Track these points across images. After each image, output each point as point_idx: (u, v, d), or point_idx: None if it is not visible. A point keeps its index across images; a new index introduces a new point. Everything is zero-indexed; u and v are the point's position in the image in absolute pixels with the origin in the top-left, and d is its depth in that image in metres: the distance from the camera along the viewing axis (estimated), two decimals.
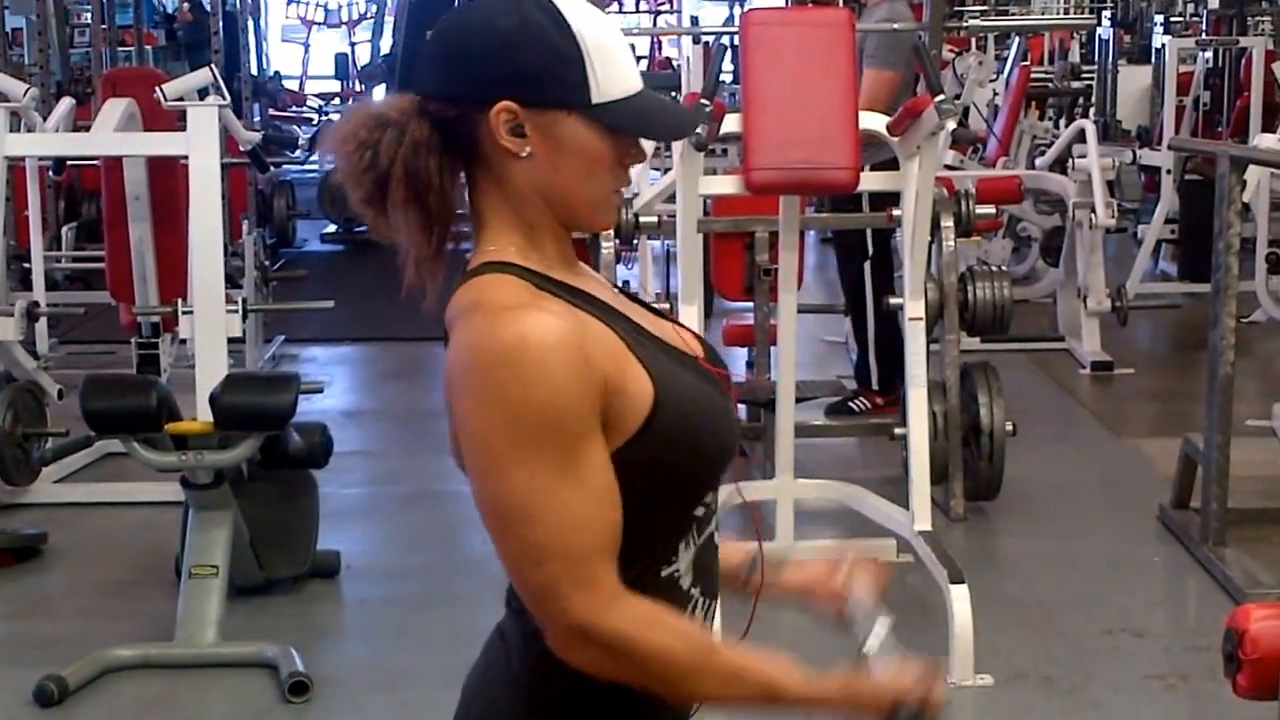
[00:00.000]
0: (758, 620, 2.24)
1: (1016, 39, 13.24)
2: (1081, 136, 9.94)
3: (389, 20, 17.94)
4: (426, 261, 2.03)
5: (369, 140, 1.97)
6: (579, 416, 1.88)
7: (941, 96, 5.24)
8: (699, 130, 5.08)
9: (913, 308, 5.65)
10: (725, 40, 8.86)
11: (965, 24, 7.11)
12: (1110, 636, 5.29)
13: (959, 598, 4.94)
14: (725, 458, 2.06)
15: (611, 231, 5.84)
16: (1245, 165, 6.04)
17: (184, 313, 6.40)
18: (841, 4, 7.77)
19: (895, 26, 7.18)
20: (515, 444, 1.87)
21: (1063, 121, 13.97)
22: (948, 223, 6.56)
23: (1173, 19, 15.93)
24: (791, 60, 5.58)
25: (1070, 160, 9.82)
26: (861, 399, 7.88)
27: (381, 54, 17.76)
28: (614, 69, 1.98)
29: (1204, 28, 13.78)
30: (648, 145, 2.26)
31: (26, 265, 7.79)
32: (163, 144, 6.79)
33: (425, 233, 2.01)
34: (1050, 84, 13.95)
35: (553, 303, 1.94)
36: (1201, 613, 5.60)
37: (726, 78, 8.55)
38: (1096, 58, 13.96)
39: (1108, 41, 13.45)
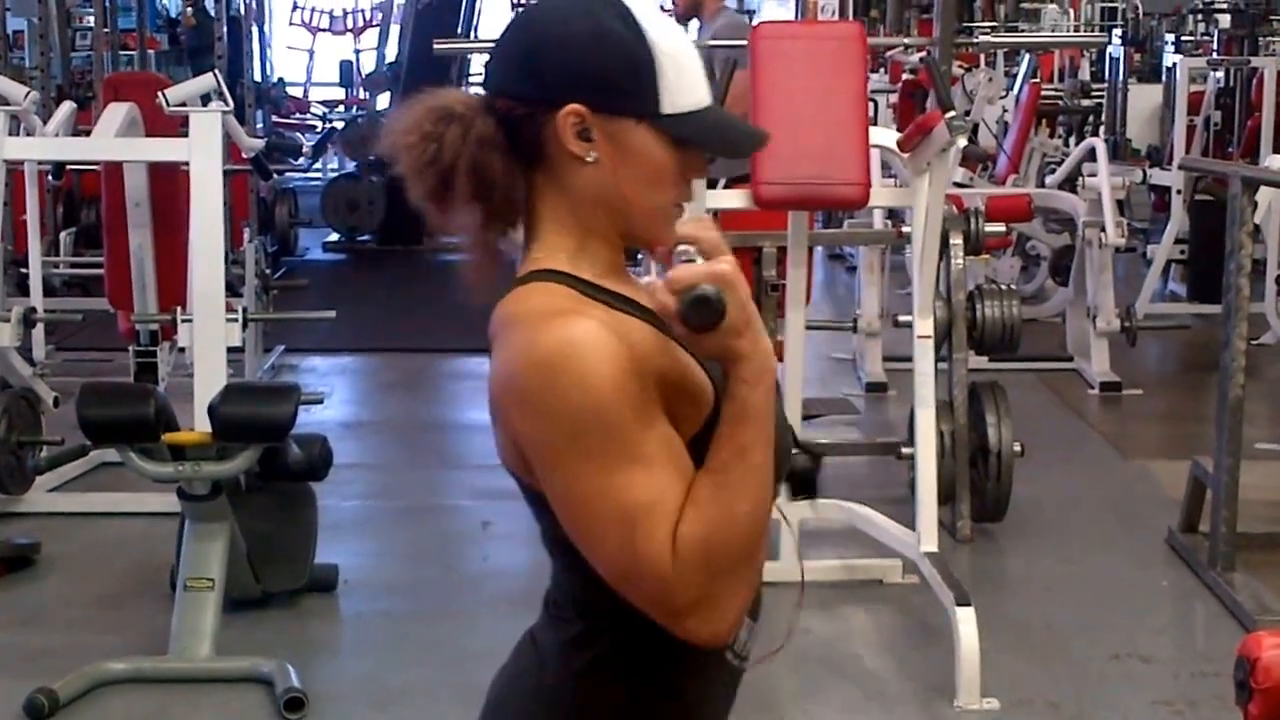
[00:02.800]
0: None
1: (1026, 56, 13.19)
2: (1091, 155, 9.89)
3: (395, 28, 17.86)
4: (484, 258, 2.02)
5: (433, 133, 1.95)
6: (635, 403, 1.84)
7: (952, 113, 5.18)
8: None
9: (921, 326, 5.58)
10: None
11: (976, 40, 7.03)
12: (1117, 661, 5.21)
13: (965, 620, 4.86)
14: (782, 466, 2.03)
15: None
16: (1257, 186, 5.96)
17: (183, 321, 6.33)
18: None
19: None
20: (579, 449, 1.84)
21: (1072, 139, 13.94)
22: (957, 240, 6.50)
23: (1183, 38, 15.88)
24: (801, 74, 5.53)
25: (1080, 179, 9.76)
26: None
27: (387, 62, 17.67)
28: (685, 80, 1.96)
29: (1215, 47, 13.72)
30: None
31: (24, 270, 7.72)
32: (164, 150, 6.72)
33: (487, 230, 2.00)
34: (1060, 101, 13.89)
35: (596, 308, 1.91)
36: (1210, 638, 5.53)
37: None
38: (1107, 76, 13.90)
39: (1118, 60, 13.40)
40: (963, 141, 5.20)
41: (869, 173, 5.52)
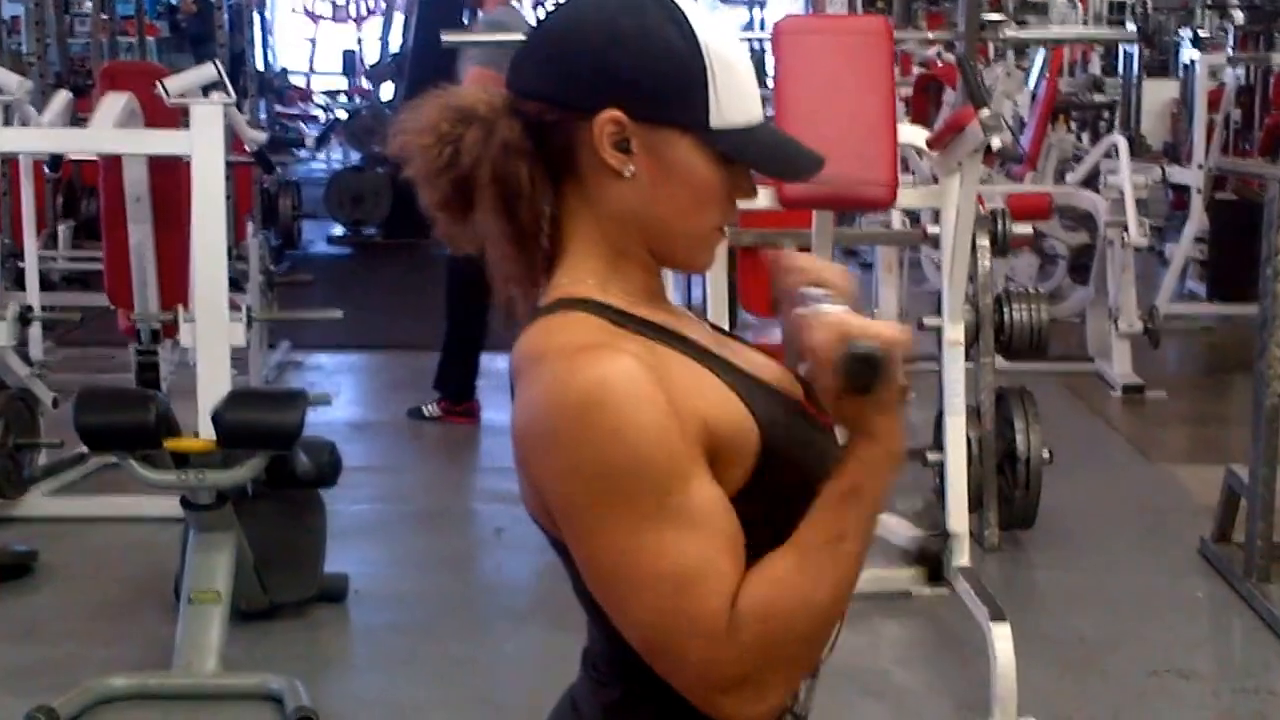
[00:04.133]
0: None
1: (1041, 51, 12.99)
2: (1112, 152, 9.72)
3: (398, 16, 17.68)
4: (518, 281, 1.82)
5: (450, 135, 1.75)
6: (676, 457, 1.64)
7: (986, 111, 5.00)
8: None
9: (952, 331, 5.42)
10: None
11: (1003, 36, 6.85)
12: (1155, 678, 5.03)
13: (1001, 638, 4.67)
14: None
15: None
16: None
17: (185, 321, 6.14)
18: None
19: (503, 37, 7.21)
20: (610, 505, 1.64)
21: (1085, 135, 13.75)
22: (984, 242, 6.31)
23: (1199, 32, 15.69)
24: (826, 70, 5.35)
25: (1102, 177, 9.58)
26: (434, 404, 8.06)
27: (391, 52, 17.50)
28: (738, 93, 1.76)
29: (1231, 43, 13.53)
30: None
31: (21, 265, 7.52)
32: (165, 143, 6.53)
33: (516, 247, 1.79)
34: (1074, 97, 13.70)
35: (630, 341, 1.71)
36: (1249, 653, 5.36)
37: None
38: (1120, 71, 13.71)
39: (1132, 55, 13.20)
40: (998, 141, 5.01)
41: (897, 172, 5.34)
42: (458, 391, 8.02)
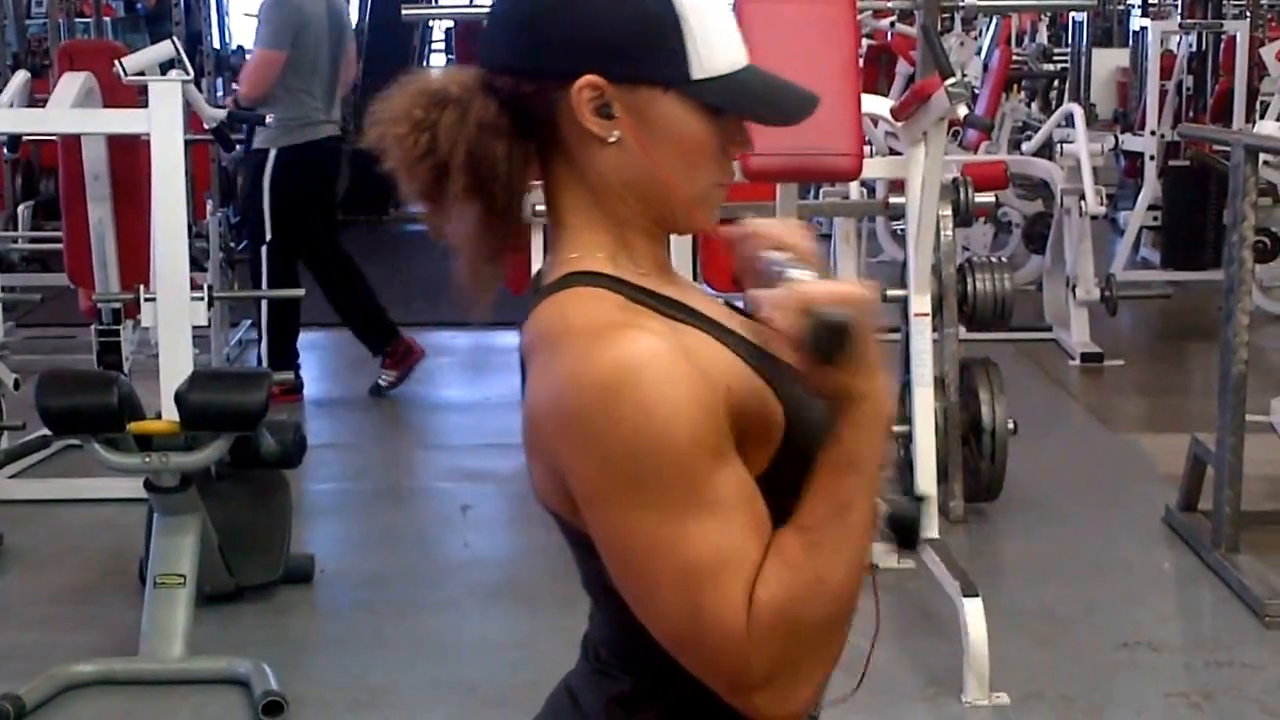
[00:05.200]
0: None
1: (994, 20, 12.99)
2: (1067, 121, 9.73)
3: None
4: (484, 266, 1.75)
5: (425, 120, 1.69)
6: (706, 439, 1.58)
7: (951, 79, 4.98)
8: None
9: (918, 302, 5.41)
10: None
11: (962, 4, 6.83)
12: (1126, 650, 5.03)
13: (973, 613, 4.67)
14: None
15: None
16: (1259, 154, 5.77)
17: (146, 300, 6.08)
18: None
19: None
20: (639, 491, 1.57)
21: (1034, 104, 13.76)
22: (945, 211, 6.29)
23: (1148, 1, 15.71)
24: (789, 40, 5.31)
25: (1059, 146, 9.59)
26: (383, 373, 8.10)
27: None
28: (716, 38, 1.69)
29: (1179, 10, 13.53)
30: None
31: None
32: (123, 122, 6.46)
33: (487, 231, 1.72)
34: (1025, 66, 13.71)
35: (649, 318, 1.65)
36: (1220, 625, 5.35)
37: None
38: (1070, 40, 13.72)
39: (1080, 24, 13.21)
40: (963, 109, 5.00)
41: (862, 144, 5.32)
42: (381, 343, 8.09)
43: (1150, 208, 10.62)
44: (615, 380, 1.57)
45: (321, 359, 9.04)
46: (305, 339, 8.41)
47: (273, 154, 7.65)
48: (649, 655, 1.65)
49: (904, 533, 1.79)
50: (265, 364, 7.74)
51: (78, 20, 13.40)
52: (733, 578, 1.57)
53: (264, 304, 7.83)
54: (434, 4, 9.35)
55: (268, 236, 7.71)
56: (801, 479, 1.64)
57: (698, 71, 1.68)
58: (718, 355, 1.66)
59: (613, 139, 1.68)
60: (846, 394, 1.61)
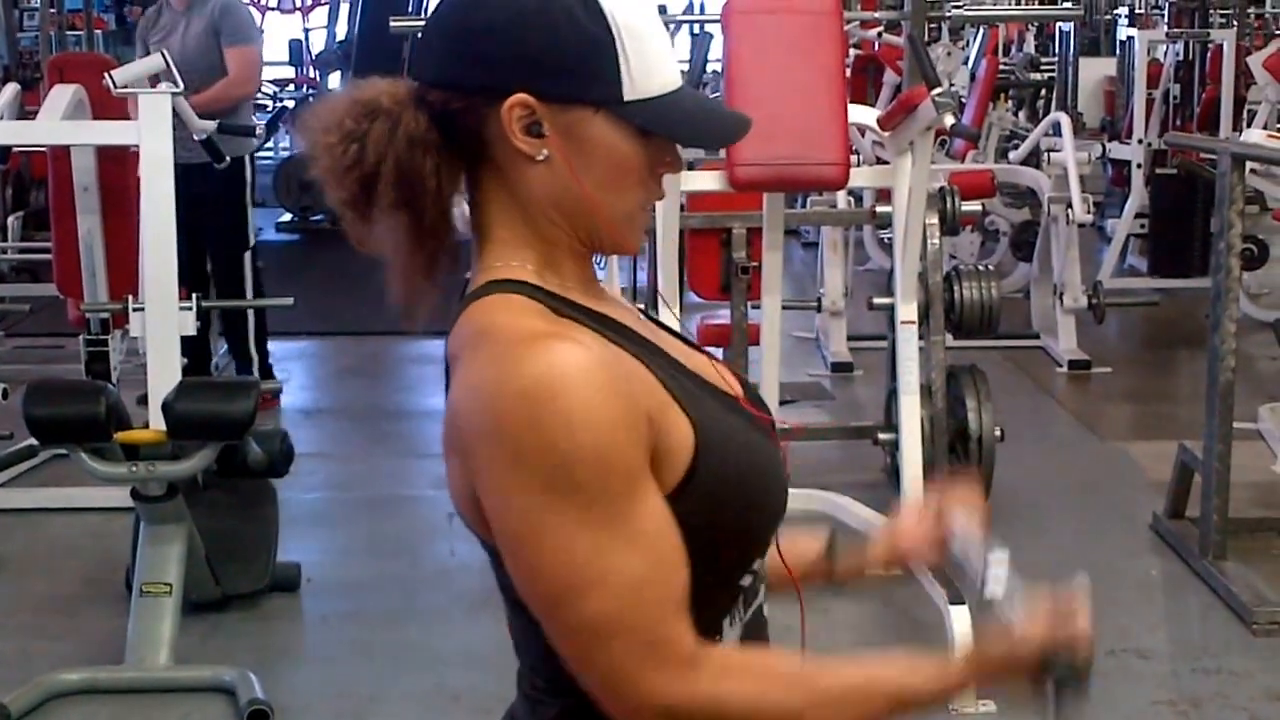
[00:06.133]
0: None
1: (980, 29, 13.02)
2: (1054, 130, 9.76)
3: (344, 6, 17.59)
4: (417, 279, 1.73)
5: (355, 131, 1.68)
6: (627, 459, 1.58)
7: (938, 89, 5.00)
8: None
9: (905, 310, 5.42)
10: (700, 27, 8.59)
11: (948, 13, 6.84)
12: (1114, 657, 5.03)
13: (960, 620, 4.68)
14: (777, 516, 1.77)
15: None
16: (1245, 162, 5.79)
17: (134, 310, 6.09)
18: None
19: None
20: (554, 502, 1.57)
21: (1021, 113, 13.79)
22: (932, 220, 6.31)
23: (1135, 10, 15.76)
24: (776, 51, 5.34)
25: (1046, 154, 9.62)
26: None
27: (337, 40, 17.42)
28: (651, 61, 1.68)
29: (1165, 19, 13.57)
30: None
31: None
32: (112, 133, 6.48)
33: (417, 245, 1.71)
34: (1012, 75, 13.74)
35: (578, 330, 1.64)
36: (1207, 632, 5.36)
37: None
38: (1057, 50, 13.77)
39: (1068, 33, 13.26)
40: (950, 118, 5.01)
41: (848, 152, 5.34)
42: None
43: (1137, 216, 10.68)
44: (539, 388, 1.56)
45: (308, 367, 9.06)
46: (292, 347, 8.46)
47: (247, 160, 7.66)
48: (573, 679, 1.66)
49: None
50: (257, 372, 7.75)
51: (69, 33, 13.45)
52: (653, 599, 1.59)
53: (250, 311, 7.82)
54: (423, 15, 9.41)
55: (251, 242, 7.70)
56: (711, 499, 1.65)
57: (630, 93, 1.67)
58: (636, 371, 1.66)
59: (541, 157, 1.67)
60: (981, 664, 1.73)
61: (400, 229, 1.71)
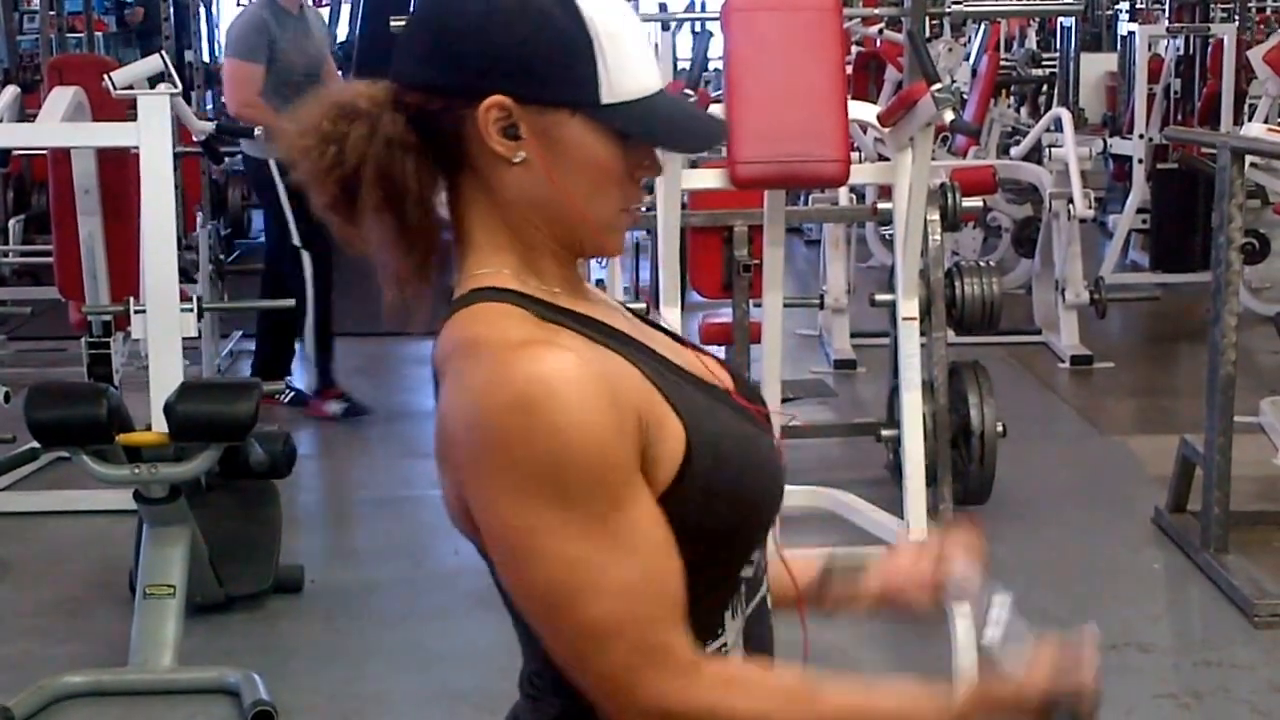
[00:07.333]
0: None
1: (982, 25, 13.02)
2: (1056, 126, 9.76)
3: (345, 6, 17.61)
4: (409, 282, 1.74)
5: (333, 134, 1.68)
6: (618, 465, 1.58)
7: (938, 85, 4.99)
8: None
9: (906, 306, 5.39)
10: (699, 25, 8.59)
11: (949, 9, 6.83)
12: (1116, 652, 5.03)
13: (962, 616, 4.67)
14: (774, 507, 1.77)
15: None
16: (1245, 157, 5.79)
17: (136, 312, 6.09)
18: None
19: None
20: (546, 510, 1.57)
21: (1022, 109, 13.79)
22: (933, 216, 6.31)
23: (1136, 5, 15.77)
24: (777, 48, 5.33)
25: (1047, 150, 9.61)
26: (321, 401, 7.84)
27: (339, 41, 17.44)
28: (629, 63, 1.68)
29: (1167, 14, 13.58)
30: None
31: None
32: (112, 135, 6.47)
33: (404, 247, 1.72)
34: (1014, 71, 13.74)
35: (566, 336, 1.64)
36: (1209, 625, 5.37)
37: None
38: (1058, 45, 13.78)
39: (1069, 29, 13.26)
40: (950, 114, 5.00)
41: (849, 149, 5.33)
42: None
43: (1139, 211, 10.67)
44: (529, 396, 1.56)
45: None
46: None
47: (273, 161, 7.63)
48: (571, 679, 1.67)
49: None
50: (318, 379, 7.74)
51: (69, 35, 13.44)
52: (649, 603, 1.60)
53: (310, 311, 7.72)
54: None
55: (294, 240, 7.63)
56: (707, 496, 1.66)
57: (607, 96, 1.67)
58: (625, 373, 1.66)
59: (518, 160, 1.67)
60: (982, 700, 1.71)
61: (387, 231, 1.71)
